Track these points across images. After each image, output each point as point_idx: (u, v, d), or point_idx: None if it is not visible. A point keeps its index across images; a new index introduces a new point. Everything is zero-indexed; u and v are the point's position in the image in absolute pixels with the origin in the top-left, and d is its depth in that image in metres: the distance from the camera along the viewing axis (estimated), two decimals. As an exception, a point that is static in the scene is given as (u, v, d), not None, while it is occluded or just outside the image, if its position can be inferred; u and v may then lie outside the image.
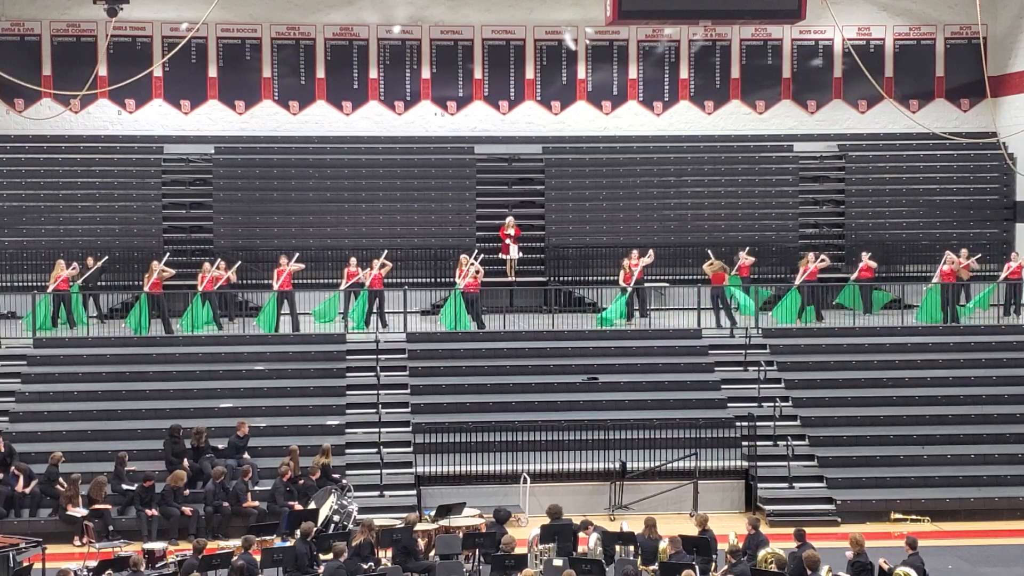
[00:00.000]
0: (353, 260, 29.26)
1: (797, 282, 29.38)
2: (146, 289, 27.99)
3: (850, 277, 30.17)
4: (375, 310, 28.86)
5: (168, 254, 29.36)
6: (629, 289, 29.19)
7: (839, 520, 23.84)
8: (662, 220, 32.42)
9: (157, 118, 32.59)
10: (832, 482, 24.66)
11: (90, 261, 29.46)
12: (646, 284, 29.96)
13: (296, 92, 32.87)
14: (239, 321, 29.12)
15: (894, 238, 32.10)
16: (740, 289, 29.28)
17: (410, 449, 25.02)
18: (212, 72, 32.67)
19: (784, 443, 24.90)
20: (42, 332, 27.76)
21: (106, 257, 29.83)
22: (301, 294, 29.44)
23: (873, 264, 29.92)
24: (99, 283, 29.92)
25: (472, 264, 28.70)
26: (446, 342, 28.10)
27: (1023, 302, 29.96)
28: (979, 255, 30.18)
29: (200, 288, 28.38)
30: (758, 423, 25.06)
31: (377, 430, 25.12)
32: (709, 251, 29.79)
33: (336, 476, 23.64)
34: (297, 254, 29.30)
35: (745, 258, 29.95)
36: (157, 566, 19.39)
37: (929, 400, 26.58)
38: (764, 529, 20.93)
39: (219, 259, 29.58)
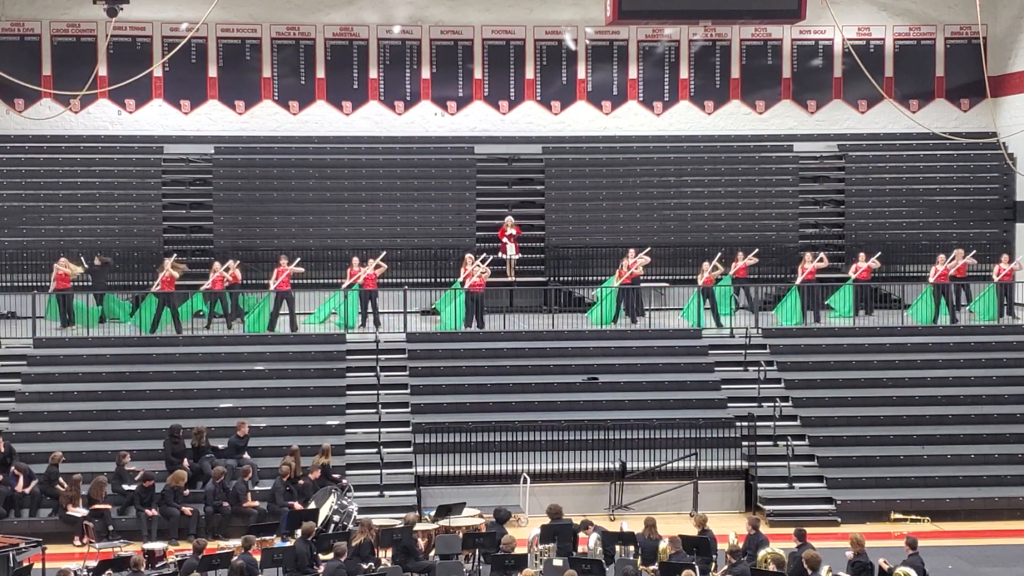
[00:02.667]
0: (355, 260, 29.26)
1: (797, 282, 29.40)
2: (154, 289, 28.01)
3: (850, 276, 30.10)
4: (370, 310, 28.89)
5: (174, 254, 29.30)
6: (615, 288, 29.25)
7: (839, 520, 23.85)
8: (662, 220, 32.41)
9: (157, 118, 32.58)
10: (832, 482, 24.66)
11: (97, 260, 29.49)
12: (642, 284, 29.94)
13: (296, 92, 32.87)
14: (238, 321, 29.10)
15: (894, 238, 32.09)
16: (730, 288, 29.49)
17: (410, 449, 25.02)
18: (212, 72, 32.66)
19: (784, 443, 24.91)
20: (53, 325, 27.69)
21: (109, 259, 29.80)
22: (300, 294, 29.43)
23: (876, 265, 29.88)
24: (105, 283, 29.90)
25: (478, 264, 28.75)
26: (446, 342, 28.11)
27: (1016, 302, 30.01)
28: (973, 251, 30.19)
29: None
30: (758, 423, 25.06)
31: (377, 430, 25.12)
32: (716, 261, 29.63)
33: (336, 476, 23.65)
34: (299, 258, 29.28)
35: (748, 259, 29.92)
36: (157, 566, 19.39)
37: (929, 400, 26.59)
38: (764, 529, 20.94)
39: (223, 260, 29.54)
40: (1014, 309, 29.98)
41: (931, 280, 29.48)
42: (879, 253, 30.17)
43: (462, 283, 28.79)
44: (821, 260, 29.82)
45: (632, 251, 29.60)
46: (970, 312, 29.77)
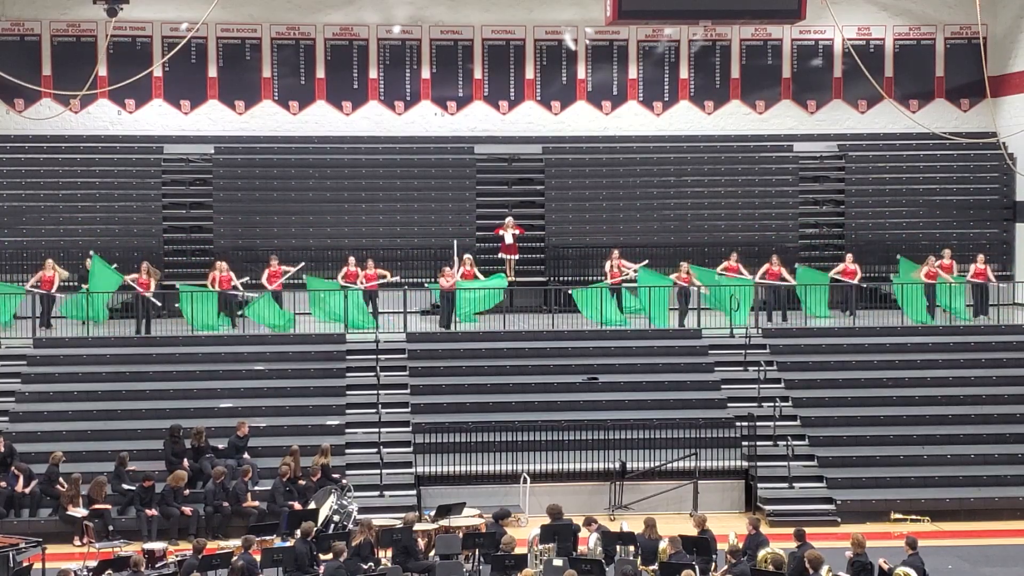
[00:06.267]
0: (352, 260, 29.32)
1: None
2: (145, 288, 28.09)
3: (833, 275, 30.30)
4: (369, 310, 28.97)
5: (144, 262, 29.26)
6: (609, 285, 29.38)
7: (839, 520, 23.86)
8: (662, 220, 32.38)
9: (157, 118, 32.59)
10: (832, 482, 24.67)
11: (88, 263, 29.49)
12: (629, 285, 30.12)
13: (296, 92, 32.87)
14: (238, 321, 29.10)
15: (894, 238, 32.07)
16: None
17: (410, 449, 25.03)
18: (212, 72, 32.67)
19: (784, 443, 24.92)
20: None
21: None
22: (301, 294, 29.45)
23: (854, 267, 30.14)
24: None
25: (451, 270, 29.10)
26: (446, 342, 28.11)
27: (991, 303, 30.10)
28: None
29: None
30: (758, 423, 25.07)
31: (377, 430, 25.12)
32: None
33: (336, 476, 23.65)
34: (302, 263, 29.21)
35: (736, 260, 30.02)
36: (157, 566, 19.40)
37: (929, 400, 26.60)
38: (764, 529, 20.94)
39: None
40: (988, 310, 30.05)
41: (923, 279, 29.58)
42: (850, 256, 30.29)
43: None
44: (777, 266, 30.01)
45: (615, 251, 29.68)
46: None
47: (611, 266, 29.54)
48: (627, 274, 29.51)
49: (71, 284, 29.55)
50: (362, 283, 28.96)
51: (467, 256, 29.74)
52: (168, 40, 31.93)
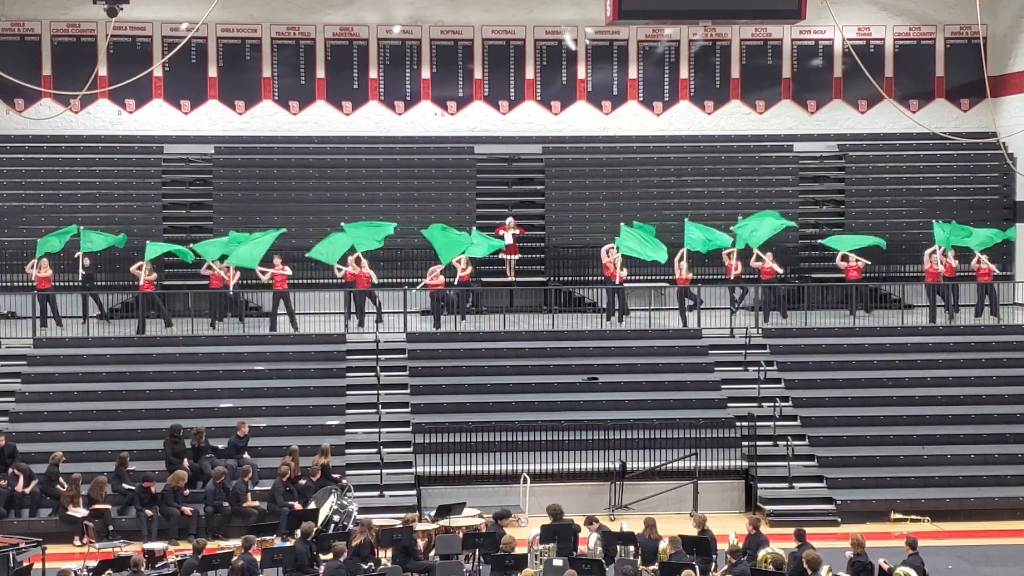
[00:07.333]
0: (350, 259, 29.31)
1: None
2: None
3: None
4: (370, 310, 28.93)
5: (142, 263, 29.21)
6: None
7: (839, 520, 23.86)
8: (662, 220, 32.29)
9: (157, 118, 32.59)
10: (832, 482, 24.67)
11: (86, 261, 29.51)
12: (638, 284, 30.07)
13: (296, 92, 32.87)
14: (232, 321, 29.08)
15: (894, 238, 32.05)
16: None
17: (410, 449, 25.03)
18: (212, 72, 32.67)
19: (784, 443, 24.93)
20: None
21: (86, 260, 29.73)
22: (301, 294, 29.45)
23: (861, 263, 30.19)
24: (97, 283, 29.90)
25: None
26: (446, 342, 28.11)
27: (986, 303, 30.07)
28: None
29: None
30: (758, 423, 25.07)
31: (377, 430, 25.13)
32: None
33: (336, 476, 23.65)
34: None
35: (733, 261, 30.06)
36: (157, 566, 19.40)
37: (929, 400, 26.61)
38: (764, 529, 20.94)
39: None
40: (983, 310, 30.04)
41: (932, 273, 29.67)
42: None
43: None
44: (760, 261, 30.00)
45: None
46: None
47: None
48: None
49: (73, 283, 29.62)
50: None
51: (463, 255, 29.65)
52: (168, 40, 31.94)
